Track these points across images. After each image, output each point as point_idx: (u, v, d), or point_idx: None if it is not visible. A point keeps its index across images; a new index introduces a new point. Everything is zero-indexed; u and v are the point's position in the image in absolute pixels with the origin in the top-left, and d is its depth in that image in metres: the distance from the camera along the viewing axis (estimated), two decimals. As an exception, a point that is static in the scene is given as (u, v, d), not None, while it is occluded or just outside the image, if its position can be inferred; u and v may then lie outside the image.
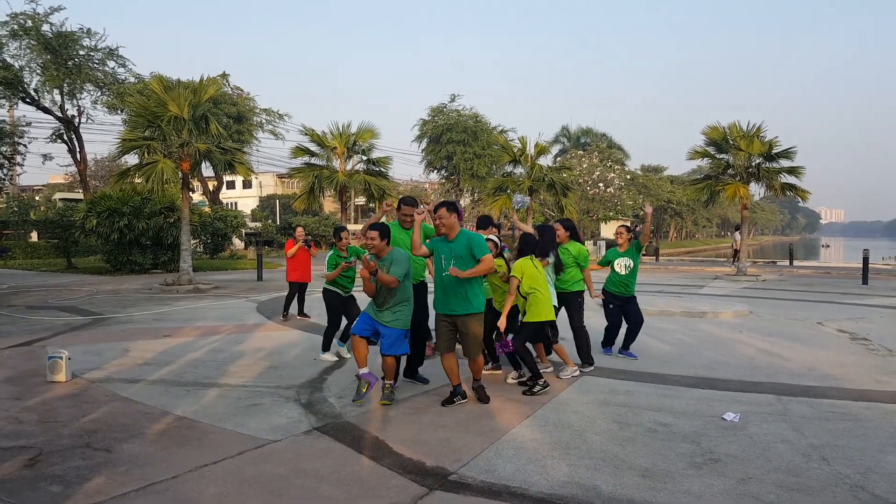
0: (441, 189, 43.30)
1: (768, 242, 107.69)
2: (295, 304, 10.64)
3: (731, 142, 20.40)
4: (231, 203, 51.62)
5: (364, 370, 5.47)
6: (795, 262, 28.22)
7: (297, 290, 10.47)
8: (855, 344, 8.54)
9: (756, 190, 21.71)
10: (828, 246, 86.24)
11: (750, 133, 20.05)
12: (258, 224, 41.31)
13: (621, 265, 7.37)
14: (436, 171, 41.76)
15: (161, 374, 6.55)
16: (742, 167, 20.50)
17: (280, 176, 56.93)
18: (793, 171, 20.24)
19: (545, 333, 6.33)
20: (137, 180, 17.39)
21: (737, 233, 24.63)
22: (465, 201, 43.72)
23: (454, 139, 37.57)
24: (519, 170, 25.44)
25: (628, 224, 7.73)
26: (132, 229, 19.46)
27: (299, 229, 10.67)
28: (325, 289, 7.40)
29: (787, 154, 20.09)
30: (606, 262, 7.55)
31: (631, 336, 7.48)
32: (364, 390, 5.43)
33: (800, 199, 22.18)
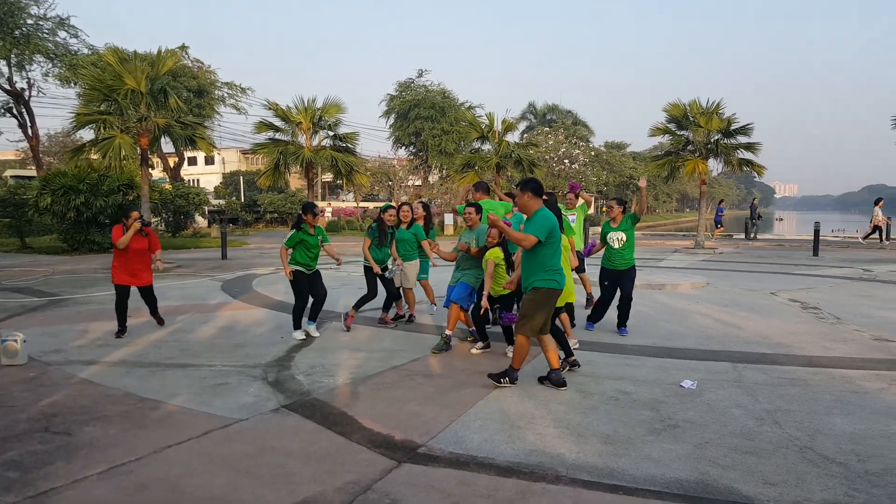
0: (409, 165, 43.00)
1: (725, 216, 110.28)
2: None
3: (691, 118, 20.81)
4: (193, 180, 50.34)
5: (450, 332, 6.55)
6: (751, 235, 28.98)
7: (128, 295, 7.47)
8: (805, 313, 8.85)
9: (714, 165, 22.22)
10: (781, 219, 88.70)
11: (709, 110, 20.48)
12: (222, 201, 40.41)
13: (614, 239, 7.45)
14: (404, 148, 41.40)
15: (122, 356, 6.40)
16: (701, 143, 20.97)
17: (244, 152, 55.64)
18: (750, 147, 20.80)
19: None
20: (94, 156, 16.78)
21: (877, 207, 22.79)
22: (433, 178, 43.54)
23: (422, 115, 37.19)
24: (487, 146, 25.41)
25: (619, 198, 7.86)
26: (89, 207, 18.80)
27: (134, 213, 7.42)
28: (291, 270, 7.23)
29: (744, 130, 20.60)
30: (603, 238, 7.63)
31: (622, 312, 7.50)
32: (443, 345, 6.53)
33: (756, 174, 22.74)
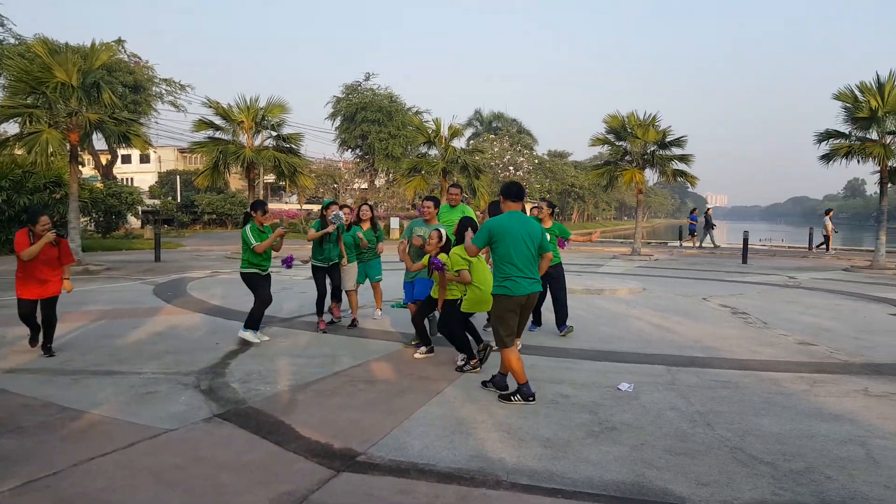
0: (355, 168, 42.57)
1: (661, 225, 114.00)
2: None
3: (629, 130, 21.46)
4: (126, 178, 48.27)
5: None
6: (684, 243, 30.06)
7: (35, 310, 6.32)
8: (735, 318, 9.20)
9: (650, 175, 22.96)
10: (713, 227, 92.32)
11: (646, 122, 21.17)
12: (157, 201, 38.93)
13: None
14: (350, 150, 41.01)
15: (44, 363, 6.01)
16: (638, 154, 21.66)
17: (181, 150, 53.73)
18: (683, 158, 21.66)
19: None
20: (18, 151, 15.81)
21: (826, 217, 23.29)
22: (379, 181, 43.24)
23: (369, 118, 36.94)
24: (433, 151, 25.42)
25: (550, 201, 8.07)
26: (12, 205, 17.71)
27: (42, 217, 6.17)
28: (243, 272, 6.98)
29: (678, 142, 21.43)
30: None
31: (558, 314, 7.67)
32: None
33: (689, 185, 23.62)
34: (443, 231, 6.26)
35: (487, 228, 5.08)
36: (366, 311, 8.73)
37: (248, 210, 7.07)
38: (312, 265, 7.75)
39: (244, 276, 7.00)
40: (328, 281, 7.88)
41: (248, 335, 6.93)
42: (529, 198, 45.35)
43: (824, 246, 23.59)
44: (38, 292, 6.23)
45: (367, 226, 8.41)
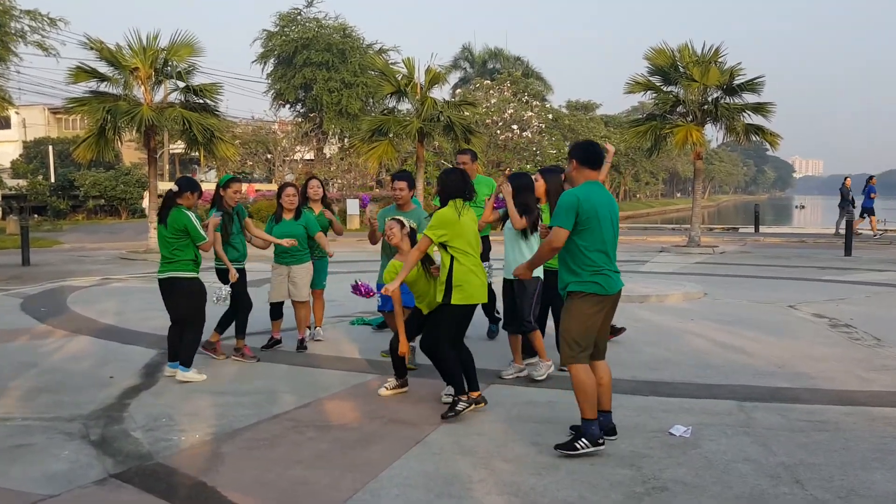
0: (296, 131, 42.49)
1: (728, 203, 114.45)
2: None
3: (681, 69, 21.06)
4: (-22, 151, 48.18)
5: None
6: (762, 228, 30.28)
7: None
8: (835, 332, 9.30)
9: (713, 134, 22.94)
10: (803, 206, 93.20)
11: (705, 58, 20.78)
12: (23, 181, 38.78)
13: None
14: (288, 106, 40.92)
15: None
16: (695, 103, 21.32)
17: (54, 111, 53.58)
18: (759, 108, 21.23)
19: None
20: None
21: None
22: (330, 149, 43.15)
23: (313, 60, 36.83)
24: (405, 105, 25.41)
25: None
26: None
27: None
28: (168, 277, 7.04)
29: (752, 86, 20.97)
30: None
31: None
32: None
33: (768, 146, 23.55)
34: (406, 221, 6.36)
35: (574, 204, 5.00)
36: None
37: (173, 190, 6.90)
38: (219, 270, 7.71)
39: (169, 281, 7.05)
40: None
41: (191, 375, 6.86)
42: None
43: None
44: None
45: (318, 208, 8.40)
